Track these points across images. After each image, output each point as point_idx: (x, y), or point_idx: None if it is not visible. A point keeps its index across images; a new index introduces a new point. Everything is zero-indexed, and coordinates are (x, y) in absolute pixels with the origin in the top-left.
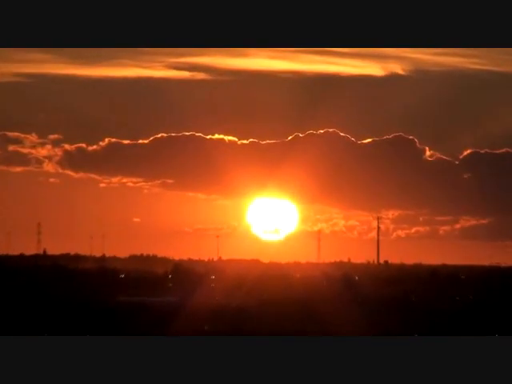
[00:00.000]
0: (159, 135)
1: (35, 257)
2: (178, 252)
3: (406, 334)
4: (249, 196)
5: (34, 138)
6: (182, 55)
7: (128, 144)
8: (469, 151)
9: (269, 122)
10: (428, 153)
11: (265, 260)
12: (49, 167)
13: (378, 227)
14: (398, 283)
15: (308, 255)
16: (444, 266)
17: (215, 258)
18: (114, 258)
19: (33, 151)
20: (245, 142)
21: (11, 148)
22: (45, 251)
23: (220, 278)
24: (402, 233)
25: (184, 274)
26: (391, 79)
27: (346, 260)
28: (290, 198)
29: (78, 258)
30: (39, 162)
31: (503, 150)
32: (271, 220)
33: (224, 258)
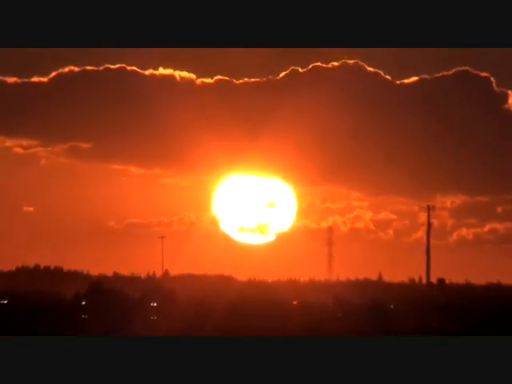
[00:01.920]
0: (66, 69)
1: None
2: (98, 263)
3: None
4: (216, 172)
5: None
6: None
7: (15, 83)
8: None
9: (248, 46)
10: None
11: (241, 277)
12: None
13: (429, 223)
14: (462, 316)
15: (312, 269)
16: None
17: (158, 273)
18: None
19: None
20: (208, 80)
21: None
22: None
23: (166, 307)
24: (467, 233)
25: (107, 299)
26: None
27: (374, 277)
28: (283, 176)
29: None
30: None
31: None
32: (252, 211)
33: (173, 272)
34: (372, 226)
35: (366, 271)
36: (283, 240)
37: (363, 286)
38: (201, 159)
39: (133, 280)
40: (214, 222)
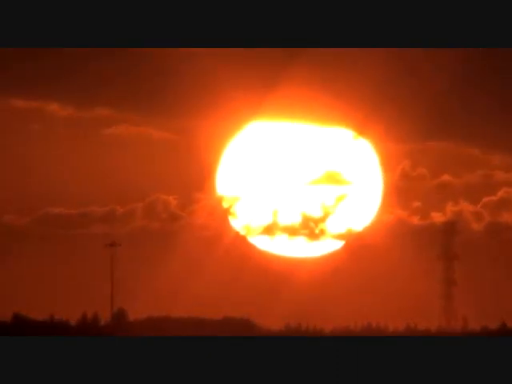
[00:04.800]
0: None
1: None
2: None
3: None
4: (224, 116)
5: None
6: None
7: None
8: None
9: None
10: None
11: (272, 324)
12: None
13: None
14: None
15: (414, 310)
16: None
17: (105, 317)
18: None
19: None
20: None
21: None
22: None
23: None
24: None
25: None
26: None
27: None
28: (357, 125)
29: None
30: None
31: None
32: (294, 193)
33: (135, 315)
34: None
35: None
36: (357, 251)
37: None
38: (193, 92)
39: (53, 328)
40: (218, 215)
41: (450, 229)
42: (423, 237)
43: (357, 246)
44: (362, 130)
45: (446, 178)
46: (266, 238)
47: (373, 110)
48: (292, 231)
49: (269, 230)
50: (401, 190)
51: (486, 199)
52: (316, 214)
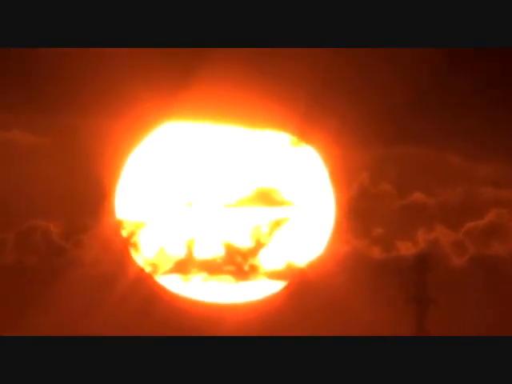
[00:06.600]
0: None
1: None
2: None
3: None
4: (132, 121)
5: None
6: None
7: None
8: None
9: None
10: None
11: None
12: None
13: None
14: None
15: None
16: None
17: None
18: None
19: None
20: None
21: None
22: None
23: None
24: None
25: None
26: None
27: None
28: (296, 127)
29: None
30: None
31: None
32: (215, 216)
33: None
34: None
35: None
36: (300, 293)
37: None
38: (84, 91)
39: None
40: (115, 247)
41: (423, 263)
42: (387, 274)
43: (300, 288)
44: (304, 134)
45: (417, 196)
46: (178, 277)
47: (319, 107)
48: (213, 268)
49: (182, 266)
50: (357, 212)
51: (469, 224)
52: (245, 245)
